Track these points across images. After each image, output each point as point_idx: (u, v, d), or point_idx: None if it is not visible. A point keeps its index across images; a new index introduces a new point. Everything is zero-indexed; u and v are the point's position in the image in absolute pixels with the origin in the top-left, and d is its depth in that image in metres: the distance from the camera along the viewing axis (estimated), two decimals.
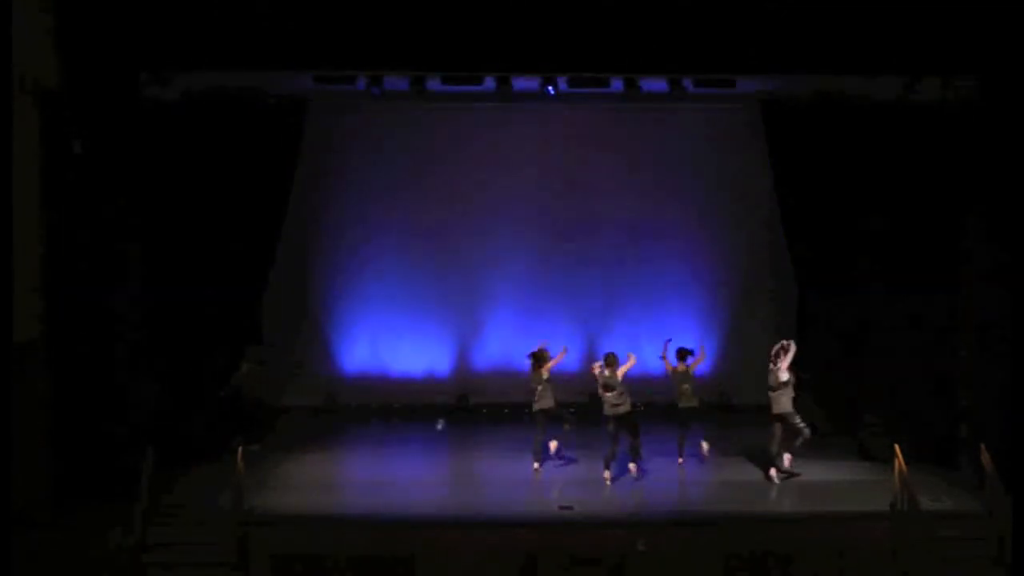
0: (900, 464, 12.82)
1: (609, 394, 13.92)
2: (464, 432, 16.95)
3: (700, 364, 14.98)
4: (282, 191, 15.98)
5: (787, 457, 14.16)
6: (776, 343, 14.20)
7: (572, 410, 15.24)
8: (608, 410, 13.97)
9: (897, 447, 13.08)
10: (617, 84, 15.19)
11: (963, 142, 14.39)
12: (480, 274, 18.10)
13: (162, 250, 14.69)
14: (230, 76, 14.52)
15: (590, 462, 14.63)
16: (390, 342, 18.16)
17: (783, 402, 13.97)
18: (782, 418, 13.99)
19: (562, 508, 13.21)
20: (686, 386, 14.63)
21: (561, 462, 14.64)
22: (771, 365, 14.04)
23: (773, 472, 14.14)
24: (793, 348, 14.04)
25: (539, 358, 14.41)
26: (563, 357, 14.63)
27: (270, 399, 16.71)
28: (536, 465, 14.49)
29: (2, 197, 10.69)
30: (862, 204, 15.53)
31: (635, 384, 14.61)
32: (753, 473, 14.44)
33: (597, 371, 14.01)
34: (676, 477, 14.62)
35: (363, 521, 12.89)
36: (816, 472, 14.70)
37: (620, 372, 13.96)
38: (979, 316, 14.23)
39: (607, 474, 13.99)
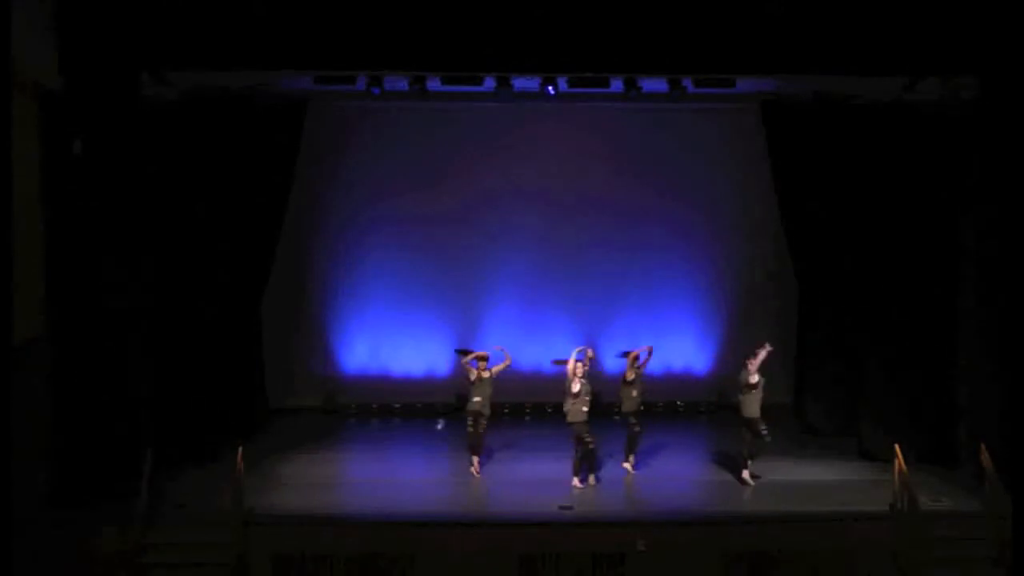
0: (900, 464, 12.82)
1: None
2: (464, 432, 16.91)
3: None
4: (282, 190, 15.99)
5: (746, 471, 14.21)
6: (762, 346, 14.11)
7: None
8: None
9: (897, 447, 13.09)
10: (617, 84, 15.18)
11: (963, 142, 14.39)
12: (480, 274, 18.10)
13: (162, 249, 14.69)
14: (230, 76, 14.51)
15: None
16: (390, 342, 18.16)
17: (750, 406, 13.93)
18: (747, 423, 13.97)
19: (562, 508, 13.22)
20: (635, 392, 14.48)
21: (559, 463, 14.66)
22: (745, 366, 13.98)
23: (746, 475, 14.14)
24: (765, 351, 13.95)
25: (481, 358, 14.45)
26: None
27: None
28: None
29: (2, 197, 10.66)
30: (862, 203, 15.53)
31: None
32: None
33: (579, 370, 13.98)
34: (676, 477, 14.62)
35: (363, 521, 12.91)
36: (816, 472, 14.72)
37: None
38: (979, 316, 14.23)
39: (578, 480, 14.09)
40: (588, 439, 13.88)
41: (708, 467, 15.00)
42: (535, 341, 17.86)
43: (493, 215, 18.01)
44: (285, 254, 16.72)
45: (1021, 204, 13.35)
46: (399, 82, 15.16)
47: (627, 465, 14.62)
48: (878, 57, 13.63)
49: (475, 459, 14.50)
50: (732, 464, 14.66)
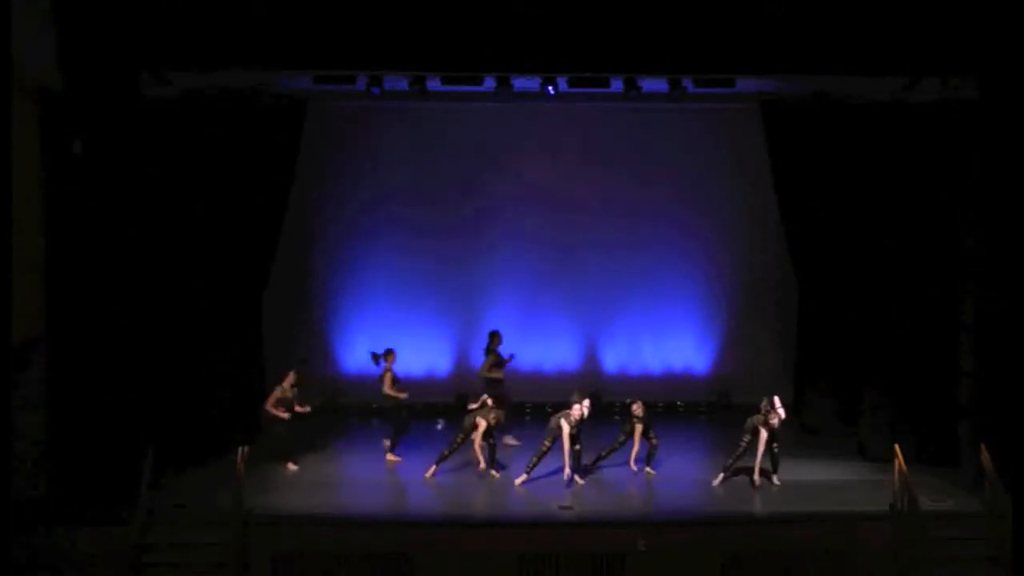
0: (900, 464, 12.83)
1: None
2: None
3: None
4: (282, 190, 15.98)
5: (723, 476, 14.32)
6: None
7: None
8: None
9: (897, 447, 13.09)
10: (617, 84, 15.17)
11: (963, 142, 14.39)
12: (480, 274, 18.10)
13: (162, 249, 14.70)
14: (230, 75, 14.50)
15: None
16: (390, 342, 18.10)
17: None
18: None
19: (562, 508, 13.22)
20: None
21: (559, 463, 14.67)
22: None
23: (720, 477, 14.29)
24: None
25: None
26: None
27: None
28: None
29: (2, 197, 10.68)
30: (862, 203, 15.53)
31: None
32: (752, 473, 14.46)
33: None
34: (676, 477, 14.63)
35: (363, 521, 12.91)
36: (816, 472, 14.73)
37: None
38: (979, 315, 14.22)
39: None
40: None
41: (708, 467, 14.98)
42: (535, 341, 17.86)
43: (493, 214, 18.01)
44: (285, 254, 16.70)
45: (1021, 204, 13.36)
46: (399, 82, 15.16)
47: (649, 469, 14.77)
48: (878, 57, 13.62)
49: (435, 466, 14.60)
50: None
